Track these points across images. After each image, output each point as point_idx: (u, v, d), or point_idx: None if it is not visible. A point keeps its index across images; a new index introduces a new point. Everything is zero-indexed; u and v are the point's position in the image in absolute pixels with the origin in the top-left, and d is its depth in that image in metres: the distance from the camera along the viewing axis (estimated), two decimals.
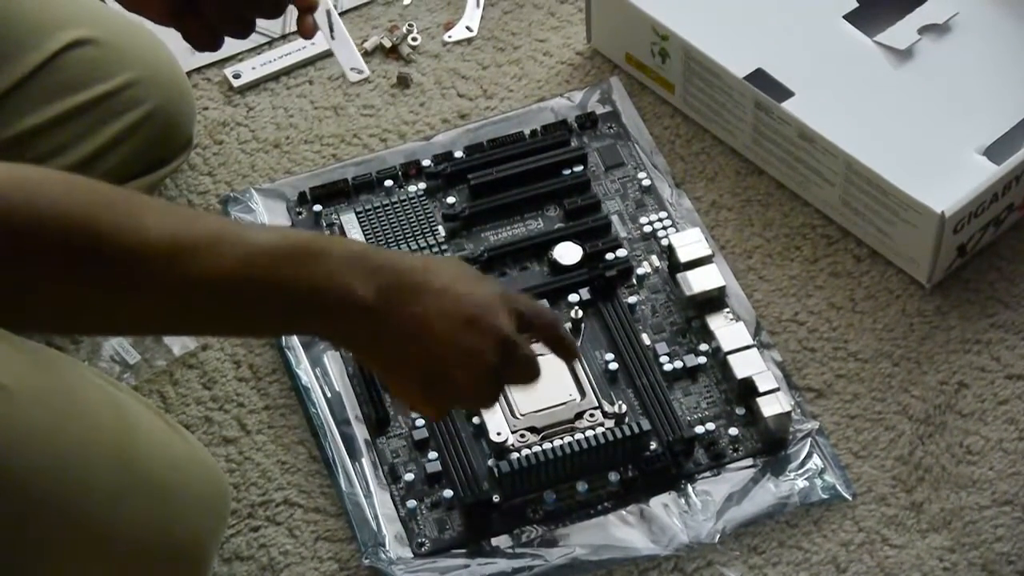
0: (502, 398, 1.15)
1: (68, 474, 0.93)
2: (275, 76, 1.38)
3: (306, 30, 1.13)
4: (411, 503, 1.13)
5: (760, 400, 1.15)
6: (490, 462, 1.14)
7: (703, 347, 1.20)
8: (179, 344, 1.21)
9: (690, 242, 1.23)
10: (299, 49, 1.39)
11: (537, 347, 1.07)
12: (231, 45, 1.39)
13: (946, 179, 1.21)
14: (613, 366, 1.18)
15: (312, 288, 0.90)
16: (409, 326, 0.93)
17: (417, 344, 0.93)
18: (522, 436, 1.14)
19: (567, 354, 1.02)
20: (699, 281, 1.21)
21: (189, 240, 0.87)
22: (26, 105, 1.16)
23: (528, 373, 0.97)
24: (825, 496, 1.14)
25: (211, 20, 1.09)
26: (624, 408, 1.15)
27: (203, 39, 1.11)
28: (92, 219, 0.85)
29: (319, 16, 1.15)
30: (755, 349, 1.19)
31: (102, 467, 0.95)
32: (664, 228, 1.27)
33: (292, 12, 1.13)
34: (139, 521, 0.97)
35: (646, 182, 1.30)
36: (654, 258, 1.25)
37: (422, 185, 1.29)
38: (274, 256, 0.89)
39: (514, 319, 0.96)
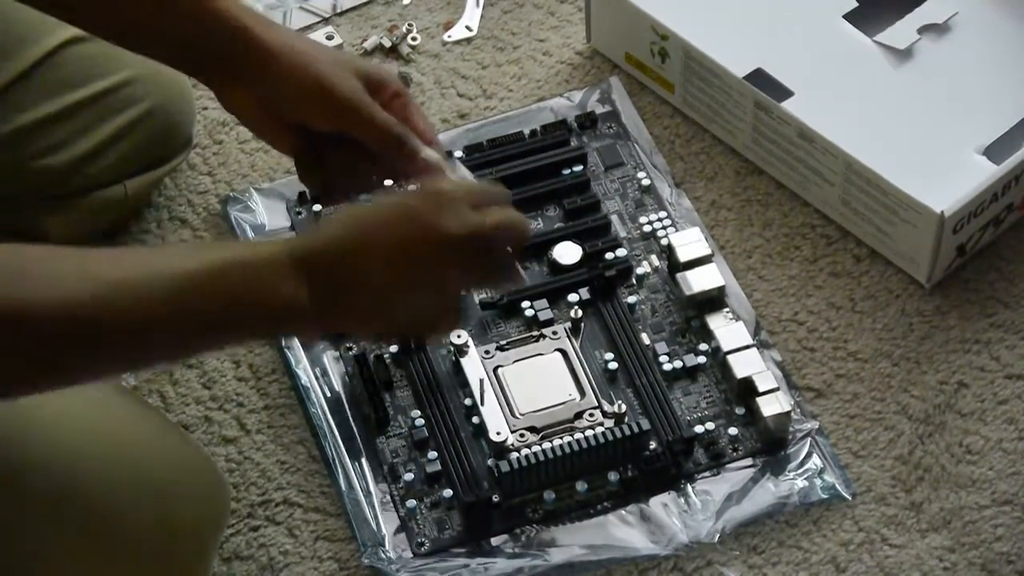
0: (502, 397, 1.15)
1: (69, 472, 0.93)
2: None
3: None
4: (411, 503, 1.13)
5: (760, 400, 1.15)
6: (490, 462, 1.14)
7: (703, 347, 1.20)
8: None
9: (690, 242, 1.23)
10: None
11: (534, 348, 1.08)
12: None
13: (946, 179, 1.21)
14: (613, 366, 1.18)
15: (248, 304, 0.91)
16: (352, 308, 0.95)
17: (368, 318, 0.96)
18: (522, 436, 1.14)
19: (520, 237, 1.02)
20: (699, 281, 1.21)
21: (114, 289, 0.86)
22: (25, 101, 1.16)
23: (503, 271, 1.01)
24: (825, 496, 1.14)
25: (329, 167, 1.08)
26: (624, 408, 1.15)
27: (314, 183, 1.10)
28: (12, 290, 0.84)
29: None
30: (755, 349, 1.19)
31: (102, 465, 0.95)
32: (664, 228, 1.27)
33: None
34: (139, 519, 0.97)
35: (646, 182, 1.30)
36: (654, 258, 1.25)
37: None
38: (201, 284, 0.89)
39: (461, 209, 0.97)
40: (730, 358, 1.18)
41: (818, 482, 1.15)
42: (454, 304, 1.00)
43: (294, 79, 1.03)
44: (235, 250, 0.94)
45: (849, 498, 1.14)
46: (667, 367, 1.19)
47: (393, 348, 1.19)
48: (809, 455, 1.16)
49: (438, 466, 1.14)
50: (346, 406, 1.18)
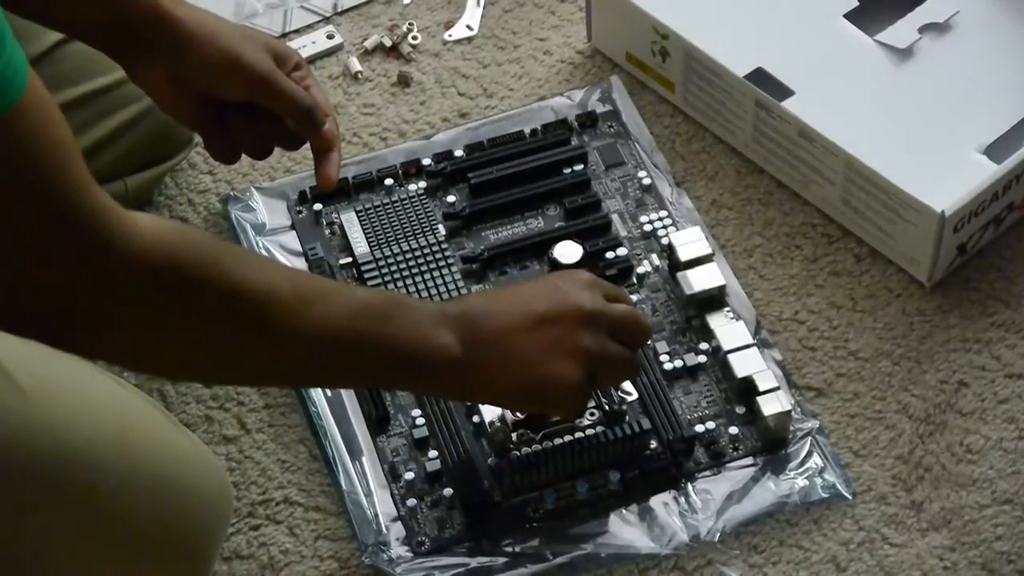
0: None
1: (74, 467, 0.93)
2: None
3: (326, 181, 1.12)
4: (411, 502, 1.13)
5: (760, 399, 1.15)
6: (490, 461, 1.14)
7: (703, 346, 1.20)
8: None
9: (690, 241, 1.23)
10: (299, 48, 1.39)
11: None
12: None
13: (946, 178, 1.21)
14: None
15: (407, 342, 0.98)
16: (495, 363, 1.02)
17: (508, 374, 1.02)
18: (522, 435, 1.14)
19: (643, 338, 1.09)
20: (699, 280, 1.21)
21: (307, 291, 0.94)
22: None
23: (624, 363, 1.06)
24: (825, 495, 1.14)
25: (235, 136, 1.11)
26: (624, 407, 1.15)
27: (223, 152, 1.13)
28: (228, 270, 0.91)
29: None
30: (755, 348, 1.19)
31: (107, 461, 0.95)
32: (664, 227, 1.27)
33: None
34: (143, 516, 0.97)
35: (646, 181, 1.30)
36: (654, 257, 1.25)
37: (422, 184, 1.29)
38: (375, 311, 0.97)
39: (596, 294, 1.05)
40: (731, 357, 1.18)
41: (818, 481, 1.15)
42: (582, 387, 1.04)
43: (208, 51, 1.07)
44: (396, 295, 1.03)
45: (849, 497, 1.14)
46: (668, 366, 1.19)
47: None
48: (810, 454, 1.16)
49: (438, 465, 1.14)
50: (347, 405, 1.18)
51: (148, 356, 0.92)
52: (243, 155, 1.13)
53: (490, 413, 1.13)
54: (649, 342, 1.20)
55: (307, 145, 1.29)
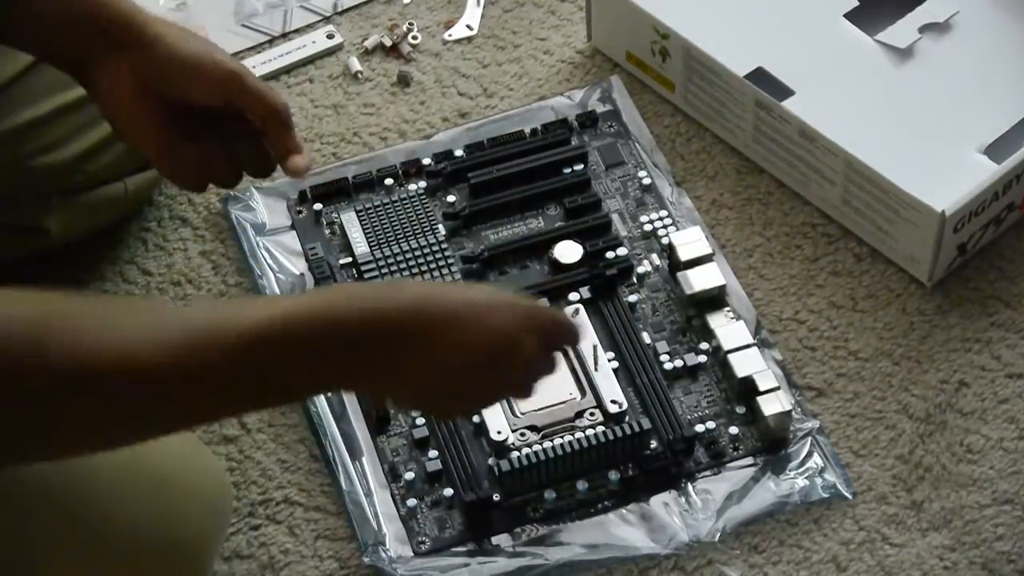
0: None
1: (75, 466, 0.93)
2: (275, 75, 1.38)
3: (294, 168, 1.08)
4: (411, 502, 1.13)
5: (760, 399, 1.15)
6: (490, 461, 1.14)
7: (703, 346, 1.20)
8: None
9: (690, 241, 1.23)
10: (299, 48, 1.39)
11: None
12: (231, 42, 1.39)
13: (947, 178, 1.21)
14: (613, 364, 1.18)
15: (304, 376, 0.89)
16: (425, 377, 0.91)
17: (439, 388, 0.92)
18: (522, 435, 1.14)
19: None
20: (699, 280, 1.21)
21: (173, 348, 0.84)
22: (23, 99, 1.16)
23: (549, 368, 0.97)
24: (825, 495, 1.14)
25: (203, 155, 1.07)
26: (624, 407, 1.15)
27: (187, 174, 1.08)
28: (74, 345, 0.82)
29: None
30: (755, 348, 1.19)
31: (108, 460, 0.95)
32: (664, 227, 1.27)
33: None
34: (142, 514, 0.97)
35: (646, 181, 1.30)
36: (654, 257, 1.25)
37: (422, 184, 1.29)
38: (258, 349, 0.86)
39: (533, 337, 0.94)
40: (731, 357, 1.18)
41: (819, 481, 1.15)
42: (517, 377, 0.96)
43: (177, 47, 1.05)
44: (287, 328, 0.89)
45: (850, 497, 1.14)
46: (668, 366, 1.19)
47: None
48: (810, 454, 1.16)
49: (439, 465, 1.14)
50: (347, 405, 1.18)
51: None
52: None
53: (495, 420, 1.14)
54: (649, 341, 1.20)
55: (303, 137, 1.28)
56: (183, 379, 0.84)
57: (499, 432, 1.14)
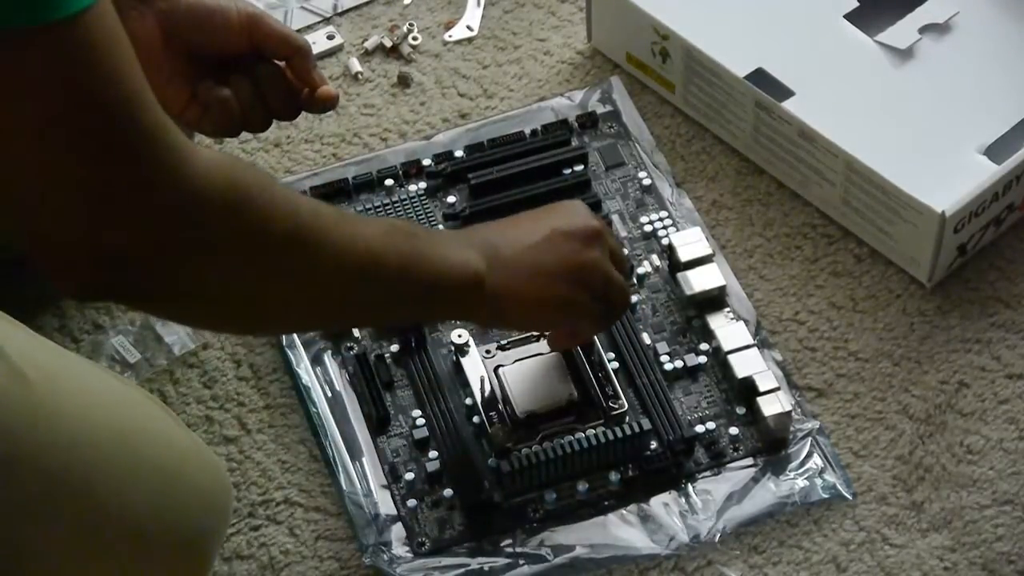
0: (497, 389, 1.15)
1: (74, 458, 0.93)
2: None
3: (326, 95, 1.12)
4: (411, 502, 1.13)
5: (760, 399, 1.15)
6: (491, 461, 1.14)
7: (703, 346, 1.20)
8: (179, 343, 1.21)
9: (690, 241, 1.23)
10: None
11: (534, 347, 1.08)
12: None
13: (947, 178, 1.21)
14: (614, 365, 1.18)
15: (435, 258, 0.99)
16: (522, 278, 1.04)
17: (534, 286, 1.04)
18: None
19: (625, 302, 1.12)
20: (699, 280, 1.21)
21: (336, 211, 0.95)
22: None
23: (623, 289, 1.10)
24: (825, 495, 1.14)
25: (232, 103, 1.09)
26: (625, 407, 1.15)
27: (221, 122, 1.10)
28: (281, 190, 0.90)
29: None
30: (755, 348, 1.19)
31: (108, 454, 0.95)
32: (664, 227, 1.27)
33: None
34: (142, 512, 0.97)
35: (646, 181, 1.30)
36: (654, 257, 1.26)
37: (423, 184, 1.29)
38: (403, 229, 0.98)
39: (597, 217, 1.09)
40: (731, 358, 1.18)
41: (819, 482, 1.15)
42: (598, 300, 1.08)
43: (197, 3, 1.07)
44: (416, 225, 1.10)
45: (850, 498, 1.14)
46: (668, 367, 1.19)
47: (395, 347, 1.19)
48: (810, 455, 1.16)
49: (439, 465, 1.14)
50: (347, 406, 1.18)
51: (213, 296, 0.88)
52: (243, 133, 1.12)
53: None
54: (649, 342, 1.20)
55: (298, 147, 1.28)
56: (398, 264, 0.96)
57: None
